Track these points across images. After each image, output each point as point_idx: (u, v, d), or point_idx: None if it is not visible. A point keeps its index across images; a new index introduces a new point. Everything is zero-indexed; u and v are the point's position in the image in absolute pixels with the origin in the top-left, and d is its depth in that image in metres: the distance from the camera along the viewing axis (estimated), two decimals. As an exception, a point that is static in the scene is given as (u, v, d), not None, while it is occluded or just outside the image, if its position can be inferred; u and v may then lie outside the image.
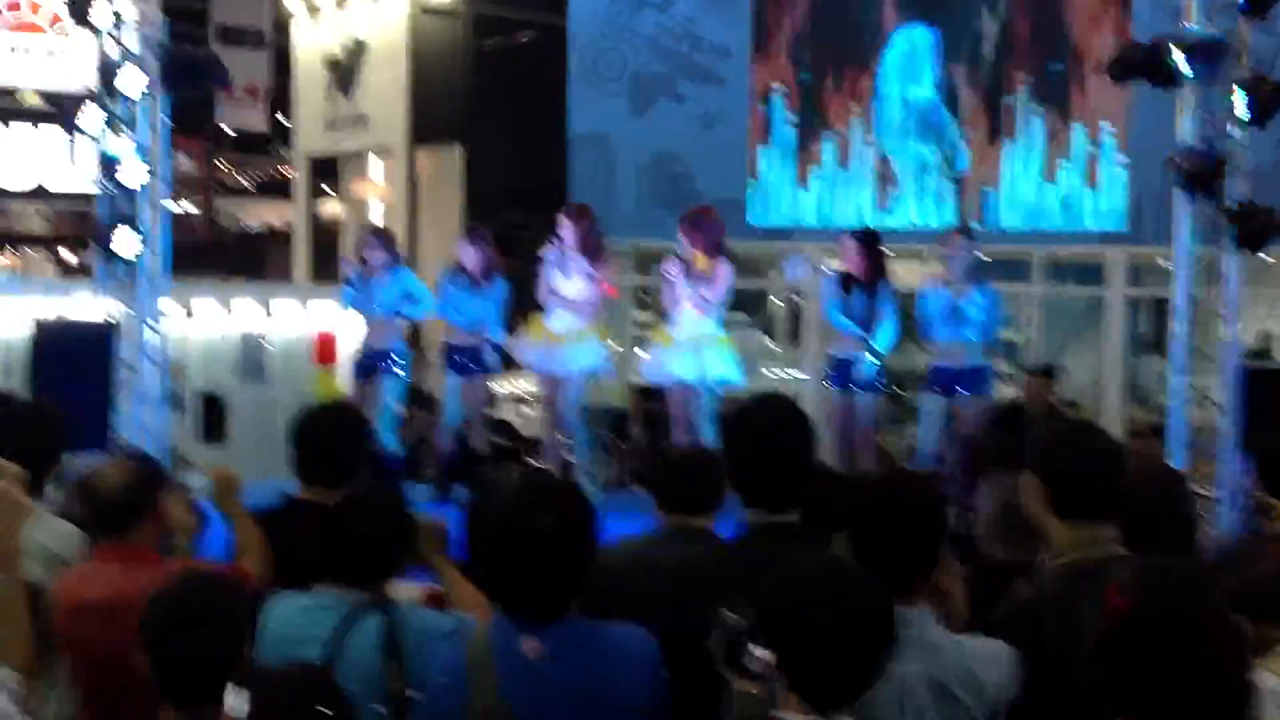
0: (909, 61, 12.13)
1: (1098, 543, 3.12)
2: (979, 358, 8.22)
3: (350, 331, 9.33)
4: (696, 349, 8.02)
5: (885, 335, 8.18)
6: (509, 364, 8.97)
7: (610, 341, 8.49)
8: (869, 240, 8.35)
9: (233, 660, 2.65)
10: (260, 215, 31.46)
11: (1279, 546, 3.35)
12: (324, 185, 23.74)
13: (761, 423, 3.29)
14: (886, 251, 8.48)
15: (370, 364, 8.45)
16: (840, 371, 8.28)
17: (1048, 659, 2.96)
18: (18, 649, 2.72)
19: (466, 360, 8.40)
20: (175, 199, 27.70)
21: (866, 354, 8.12)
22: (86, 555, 3.69)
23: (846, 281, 8.24)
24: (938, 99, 12.05)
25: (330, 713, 2.32)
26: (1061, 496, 3.12)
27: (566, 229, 8.09)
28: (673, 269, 8.06)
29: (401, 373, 8.52)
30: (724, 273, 8.04)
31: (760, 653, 2.59)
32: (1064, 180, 11.74)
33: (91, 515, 3.60)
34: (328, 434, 4.02)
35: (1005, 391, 10.36)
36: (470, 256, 8.40)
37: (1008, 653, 2.88)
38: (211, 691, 2.58)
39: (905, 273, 9.85)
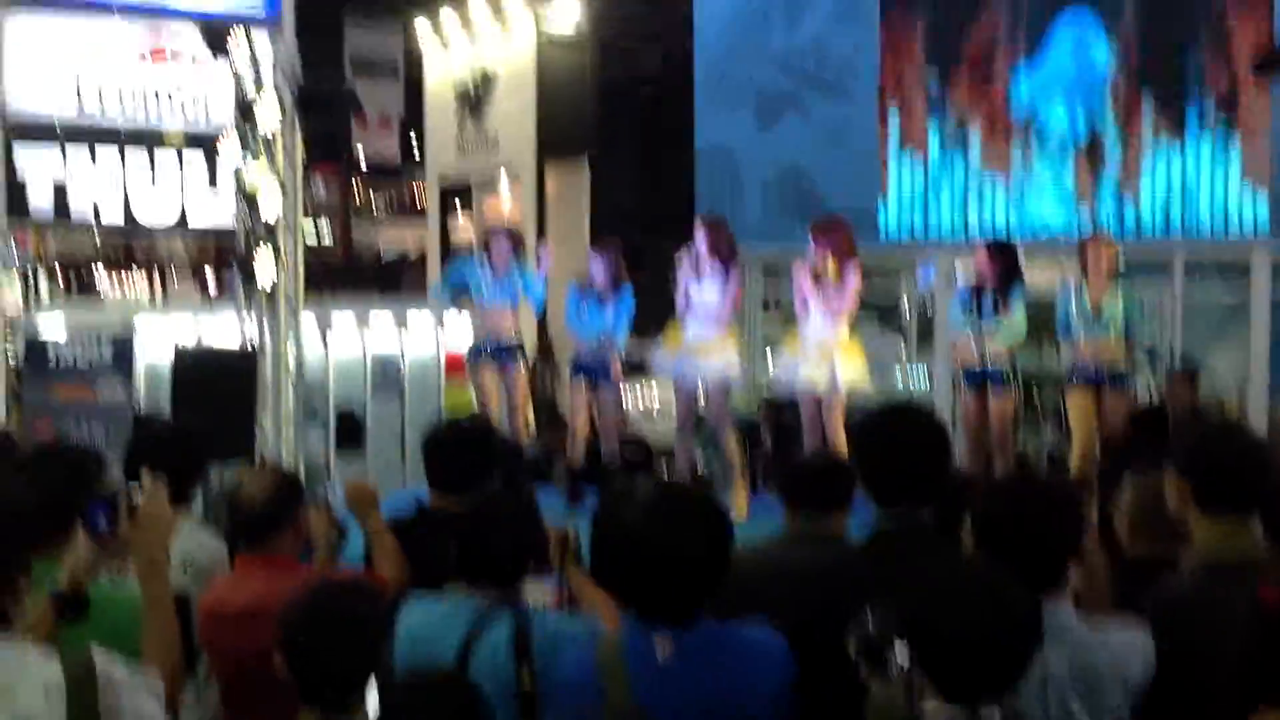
0: (1064, 56, 11.90)
1: (1241, 539, 3.06)
2: (1120, 356, 8.10)
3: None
4: (826, 356, 7.99)
5: (1010, 329, 8.16)
6: (634, 372, 9.05)
7: (738, 350, 8.47)
8: (998, 248, 8.33)
9: (369, 662, 2.70)
10: (395, 239, 32.09)
11: None
12: (456, 208, 24.15)
13: (894, 425, 3.27)
14: (1020, 256, 8.40)
15: (490, 354, 8.66)
16: (976, 376, 8.24)
17: (1190, 655, 2.90)
18: (166, 655, 2.82)
19: (594, 371, 8.49)
20: (312, 226, 28.45)
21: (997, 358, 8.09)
22: (229, 565, 3.82)
23: (977, 293, 8.18)
24: (1094, 94, 11.79)
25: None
26: (1205, 492, 3.08)
27: (701, 236, 8.14)
28: (802, 276, 8.05)
29: (523, 364, 8.78)
30: (853, 280, 8.01)
31: (901, 653, 2.58)
32: (1208, 178, 11.43)
33: (235, 526, 3.71)
34: (457, 444, 4.11)
35: (1147, 394, 10.15)
36: (599, 268, 8.50)
37: (1147, 643, 2.84)
38: (348, 693, 2.64)
39: (1041, 275, 9.73)
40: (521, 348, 8.91)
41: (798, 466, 3.93)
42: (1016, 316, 8.20)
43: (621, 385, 8.75)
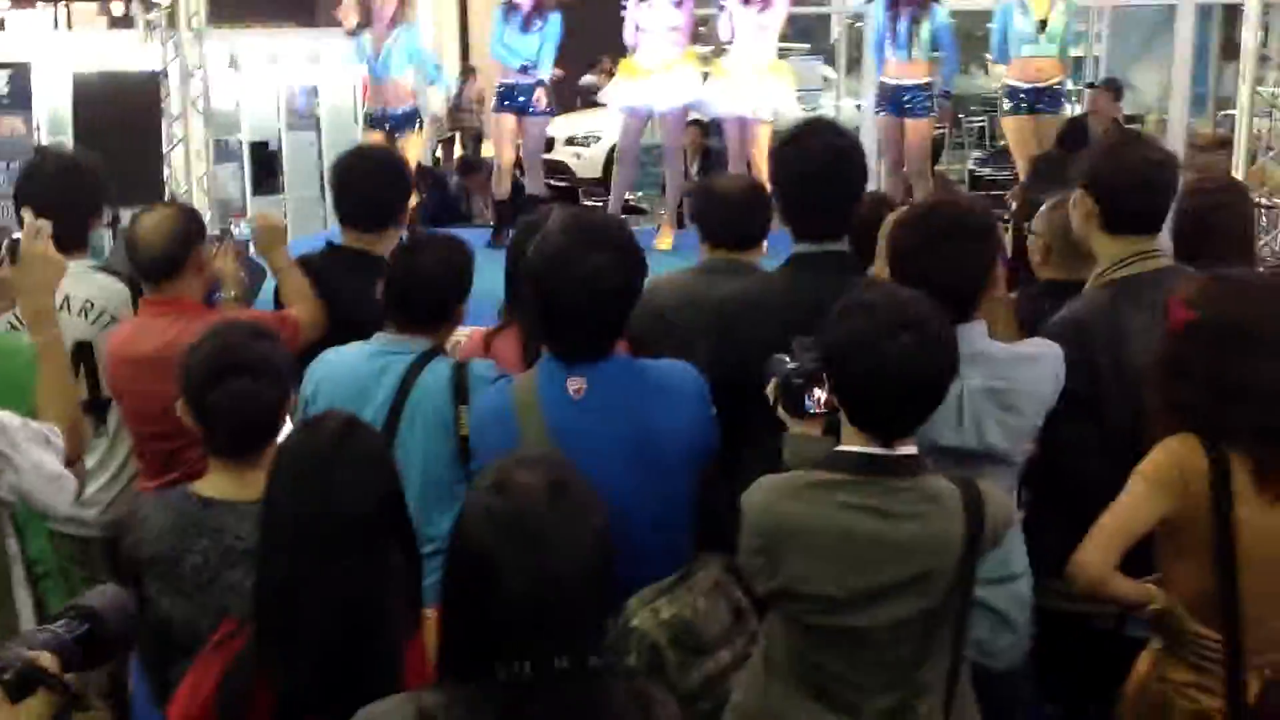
0: None
1: (1145, 256, 3.06)
2: (1059, 75, 7.93)
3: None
4: (753, 80, 7.79)
5: (925, 46, 7.90)
6: (572, 101, 8.78)
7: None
8: None
9: (275, 408, 2.64)
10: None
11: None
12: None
13: (808, 148, 3.16)
14: None
15: (387, 123, 8.26)
16: (891, 98, 8.04)
17: (1095, 369, 2.93)
18: (62, 406, 2.73)
19: (520, 100, 8.25)
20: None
21: (917, 81, 7.87)
22: (133, 309, 3.71)
23: (894, 5, 7.91)
24: None
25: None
26: (1109, 210, 3.04)
27: None
28: None
29: (421, 134, 8.41)
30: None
31: (820, 394, 2.57)
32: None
33: (134, 267, 3.59)
34: (369, 175, 3.95)
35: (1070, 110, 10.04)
36: None
37: (1058, 359, 2.86)
38: (254, 440, 2.59)
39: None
40: (415, 115, 8.38)
41: (715, 197, 3.84)
42: (949, 54, 7.92)
43: (549, 115, 8.47)
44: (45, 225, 2.78)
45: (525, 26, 8.15)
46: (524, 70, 8.19)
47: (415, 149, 8.40)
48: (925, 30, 7.79)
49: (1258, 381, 2.45)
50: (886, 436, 2.37)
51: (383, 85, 8.19)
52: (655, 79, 7.87)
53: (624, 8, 8.00)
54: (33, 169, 3.85)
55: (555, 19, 8.18)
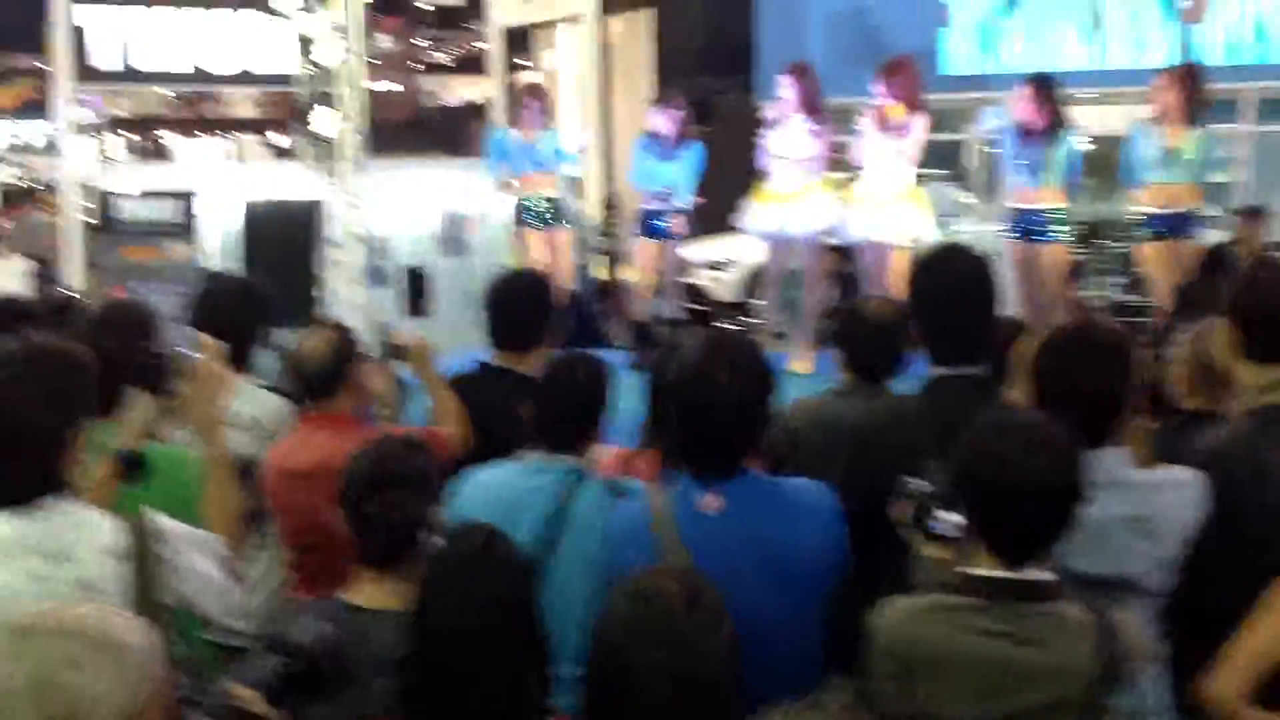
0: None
1: (1287, 383, 3.01)
2: (1195, 201, 7.81)
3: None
4: (889, 206, 7.88)
5: (1058, 172, 7.83)
6: (708, 227, 8.96)
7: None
8: (1041, 85, 7.86)
9: (425, 519, 2.75)
10: (460, 91, 31.89)
11: None
12: (517, 58, 23.87)
13: (944, 273, 3.23)
14: (1062, 97, 8.01)
15: (532, 216, 8.65)
16: (1022, 223, 8.03)
17: (1238, 500, 2.89)
18: (226, 517, 2.88)
19: (659, 227, 8.47)
20: (375, 78, 28.37)
21: (1047, 206, 7.86)
22: (294, 425, 3.89)
23: (1024, 132, 7.92)
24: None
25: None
26: (1251, 338, 3.03)
27: (788, 87, 8.00)
28: (867, 122, 7.91)
29: (570, 223, 8.78)
30: (919, 125, 7.86)
31: (948, 516, 2.59)
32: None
33: (295, 385, 3.77)
34: (516, 299, 4.09)
35: (1214, 236, 9.89)
36: (664, 121, 8.41)
37: (1200, 488, 2.83)
38: (403, 548, 2.70)
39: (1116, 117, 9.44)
40: (562, 207, 8.80)
41: (854, 320, 3.91)
42: (1062, 158, 7.86)
43: (687, 240, 8.68)
44: (219, 346, 2.97)
45: (666, 155, 8.39)
46: (664, 197, 8.41)
47: (567, 246, 8.80)
48: (1055, 156, 7.81)
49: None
50: (1016, 559, 2.38)
51: (532, 176, 8.59)
52: (791, 204, 7.99)
53: (762, 134, 8.16)
54: (207, 293, 4.08)
55: (696, 147, 8.41)
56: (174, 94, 25.01)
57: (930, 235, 7.88)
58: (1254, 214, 9.37)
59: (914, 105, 7.84)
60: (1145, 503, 2.77)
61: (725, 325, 9.61)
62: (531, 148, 8.61)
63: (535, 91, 9.08)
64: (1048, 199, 7.88)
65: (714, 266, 12.43)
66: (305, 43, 8.16)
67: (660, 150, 8.42)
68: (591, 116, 19.82)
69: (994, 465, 2.36)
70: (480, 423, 3.90)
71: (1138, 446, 2.98)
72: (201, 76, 9.89)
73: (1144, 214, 7.86)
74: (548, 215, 8.67)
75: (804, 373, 7.74)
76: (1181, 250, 7.75)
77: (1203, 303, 3.83)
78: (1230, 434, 3.06)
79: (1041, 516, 2.37)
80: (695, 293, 11.87)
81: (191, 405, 2.95)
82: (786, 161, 8.02)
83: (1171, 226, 7.75)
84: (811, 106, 7.96)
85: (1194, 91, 7.66)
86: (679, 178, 8.40)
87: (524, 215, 8.74)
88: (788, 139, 8.00)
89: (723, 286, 12.26)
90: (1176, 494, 2.82)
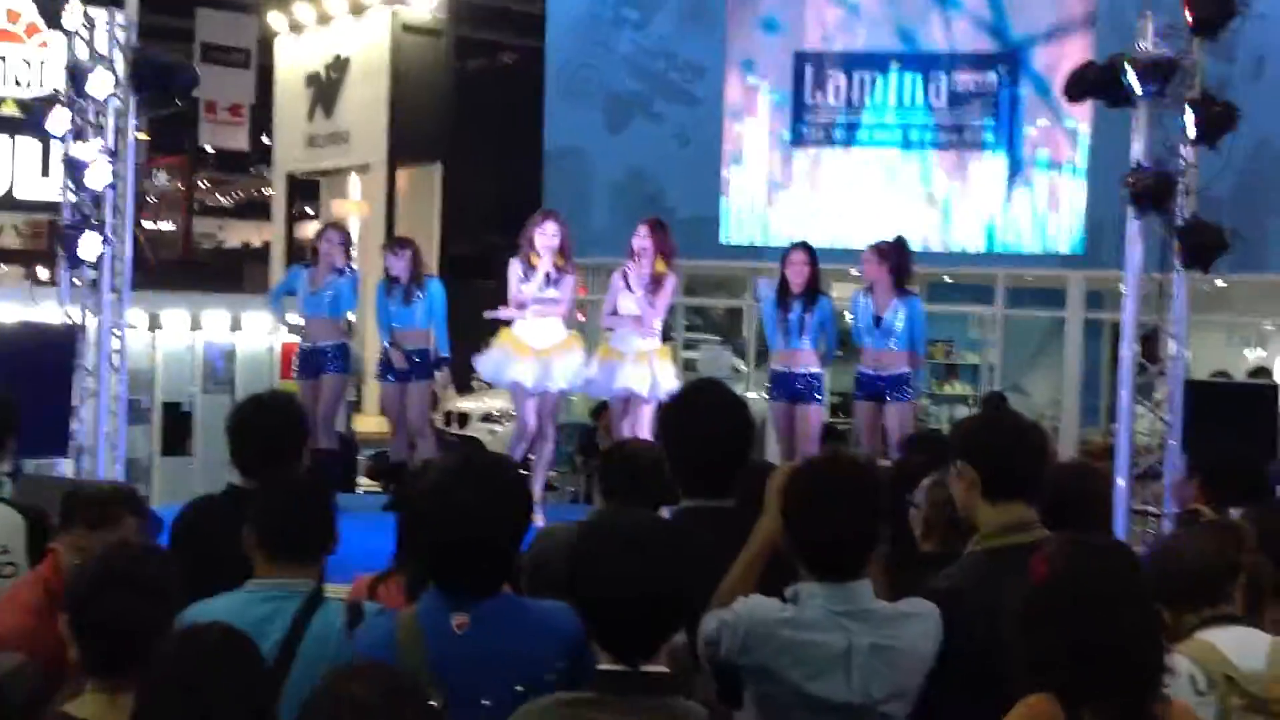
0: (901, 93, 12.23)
1: (1024, 524, 3.15)
2: (903, 366, 8.25)
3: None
4: (642, 359, 7.93)
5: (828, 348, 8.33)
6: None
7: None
8: (807, 250, 8.36)
9: (157, 627, 2.62)
10: (241, 234, 31.49)
11: (1200, 537, 3.39)
12: (306, 206, 23.80)
13: (696, 406, 3.31)
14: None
15: (316, 361, 8.60)
16: (781, 385, 8.34)
17: (968, 636, 2.98)
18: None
19: (402, 370, 8.53)
20: (154, 218, 27.78)
21: (803, 366, 8.23)
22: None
23: (784, 294, 8.26)
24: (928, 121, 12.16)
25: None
26: (988, 478, 3.15)
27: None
28: (619, 276, 8.03)
29: (343, 371, 8.72)
30: (671, 284, 8.03)
31: None
32: (1023, 203, 11.87)
33: None
34: (265, 419, 3.98)
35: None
36: (398, 265, 8.54)
37: (935, 615, 2.95)
38: (131, 657, 2.56)
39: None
40: (341, 352, 8.75)
41: (613, 458, 3.97)
42: (829, 338, 8.34)
43: (436, 382, 8.69)
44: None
45: (406, 299, 8.48)
46: (402, 339, 8.50)
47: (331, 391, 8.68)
48: (813, 319, 8.17)
49: (1106, 641, 2.53)
50: (626, 655, 2.48)
51: (318, 320, 8.57)
52: (542, 358, 7.91)
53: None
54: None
55: (434, 283, 8.57)
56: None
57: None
58: (996, 398, 9.88)
59: (668, 262, 7.99)
60: (891, 634, 2.87)
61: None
62: (320, 293, 8.60)
63: (338, 227, 9.07)
64: (807, 361, 8.20)
65: (489, 418, 12.43)
66: (73, 166, 7.94)
67: (401, 294, 8.51)
68: (375, 265, 19.85)
69: (591, 566, 2.51)
70: (219, 549, 3.71)
71: (878, 580, 3.07)
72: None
73: (858, 373, 8.38)
74: (325, 362, 8.62)
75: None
76: (889, 411, 8.14)
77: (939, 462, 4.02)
78: (966, 572, 3.17)
79: (642, 614, 2.49)
80: (469, 444, 11.82)
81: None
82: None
83: (881, 388, 8.17)
84: (563, 252, 7.93)
85: (899, 264, 8.22)
86: (422, 318, 8.49)
87: (304, 361, 8.68)
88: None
89: (499, 439, 12.24)
90: (919, 625, 2.93)
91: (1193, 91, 7.42)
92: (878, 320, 8.23)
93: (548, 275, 7.82)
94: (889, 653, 2.85)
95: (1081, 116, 10.97)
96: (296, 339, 8.98)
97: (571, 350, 8.02)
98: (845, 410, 12.30)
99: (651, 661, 2.48)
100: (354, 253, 9.03)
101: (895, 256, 8.28)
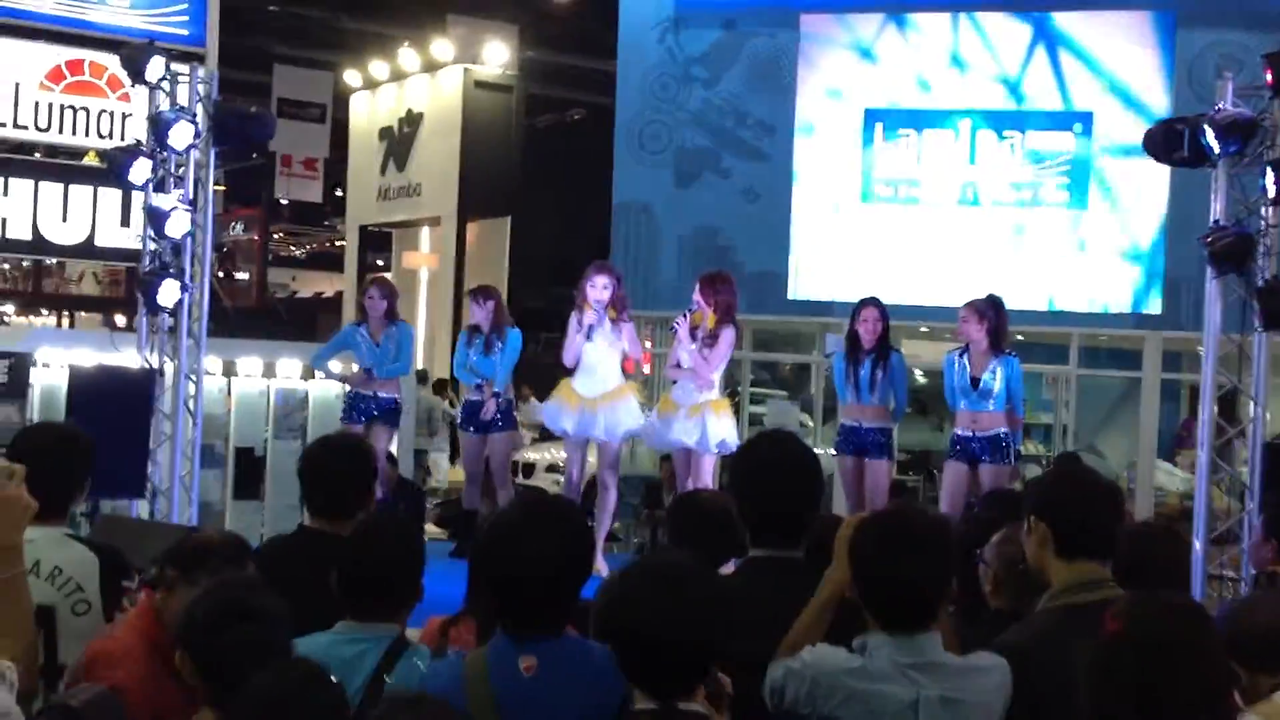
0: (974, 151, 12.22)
1: (1096, 581, 3.12)
2: (1000, 426, 8.12)
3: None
4: (695, 413, 7.89)
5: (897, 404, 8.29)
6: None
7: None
8: (881, 307, 8.36)
9: (281, 656, 2.64)
10: (314, 284, 31.93)
11: (1277, 598, 3.33)
12: (377, 258, 24.14)
13: (767, 456, 3.32)
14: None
15: (360, 412, 8.71)
16: (850, 439, 8.32)
17: (1037, 692, 2.96)
18: (16, 641, 2.75)
19: (484, 420, 8.58)
20: (230, 267, 28.25)
21: (872, 421, 8.21)
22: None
23: (854, 349, 8.26)
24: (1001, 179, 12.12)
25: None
26: (1061, 534, 3.13)
27: (604, 287, 7.96)
28: (680, 328, 8.02)
29: (394, 426, 8.89)
30: (728, 338, 7.99)
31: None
32: (1103, 263, 11.76)
33: None
34: (334, 461, 4.02)
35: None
36: (480, 315, 8.63)
37: (1005, 669, 2.93)
38: None
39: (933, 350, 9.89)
40: (393, 407, 8.85)
41: (682, 508, 3.99)
42: (900, 393, 8.31)
43: (514, 429, 8.77)
44: (19, 469, 2.88)
45: (487, 349, 8.54)
46: (483, 389, 8.57)
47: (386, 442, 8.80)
48: (883, 375, 8.15)
49: (1174, 695, 2.50)
50: (659, 694, 2.52)
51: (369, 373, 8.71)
52: (589, 408, 7.93)
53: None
54: (31, 431, 3.97)
55: (513, 334, 8.66)
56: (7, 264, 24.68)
57: (735, 442, 7.85)
58: (1072, 457, 9.80)
59: (726, 318, 7.97)
60: (958, 687, 2.85)
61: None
62: (374, 346, 8.72)
63: (381, 284, 9.19)
64: (876, 416, 8.18)
65: (553, 469, 12.44)
66: (154, 215, 8.13)
67: (482, 344, 8.58)
68: (444, 316, 20.06)
69: (622, 606, 2.55)
70: (292, 591, 3.76)
71: (947, 633, 3.05)
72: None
73: (952, 435, 8.27)
74: (374, 411, 8.72)
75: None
76: (983, 474, 8.02)
77: (1007, 507, 3.98)
78: (1034, 630, 3.14)
79: (671, 654, 2.52)
80: (526, 487, 11.85)
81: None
82: (591, 364, 7.97)
83: (979, 450, 8.04)
84: (620, 306, 7.96)
85: (998, 323, 8.14)
86: (496, 367, 8.57)
87: (354, 410, 8.78)
88: (591, 343, 7.94)
89: (562, 490, 12.25)
90: (988, 679, 2.91)
91: (1273, 151, 7.39)
92: (975, 381, 8.11)
93: (590, 327, 7.87)
94: (958, 706, 2.83)
95: (1160, 176, 10.86)
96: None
97: (623, 400, 8.01)
98: (914, 467, 12.25)
99: (688, 700, 2.49)
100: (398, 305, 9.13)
101: (994, 316, 8.18)
